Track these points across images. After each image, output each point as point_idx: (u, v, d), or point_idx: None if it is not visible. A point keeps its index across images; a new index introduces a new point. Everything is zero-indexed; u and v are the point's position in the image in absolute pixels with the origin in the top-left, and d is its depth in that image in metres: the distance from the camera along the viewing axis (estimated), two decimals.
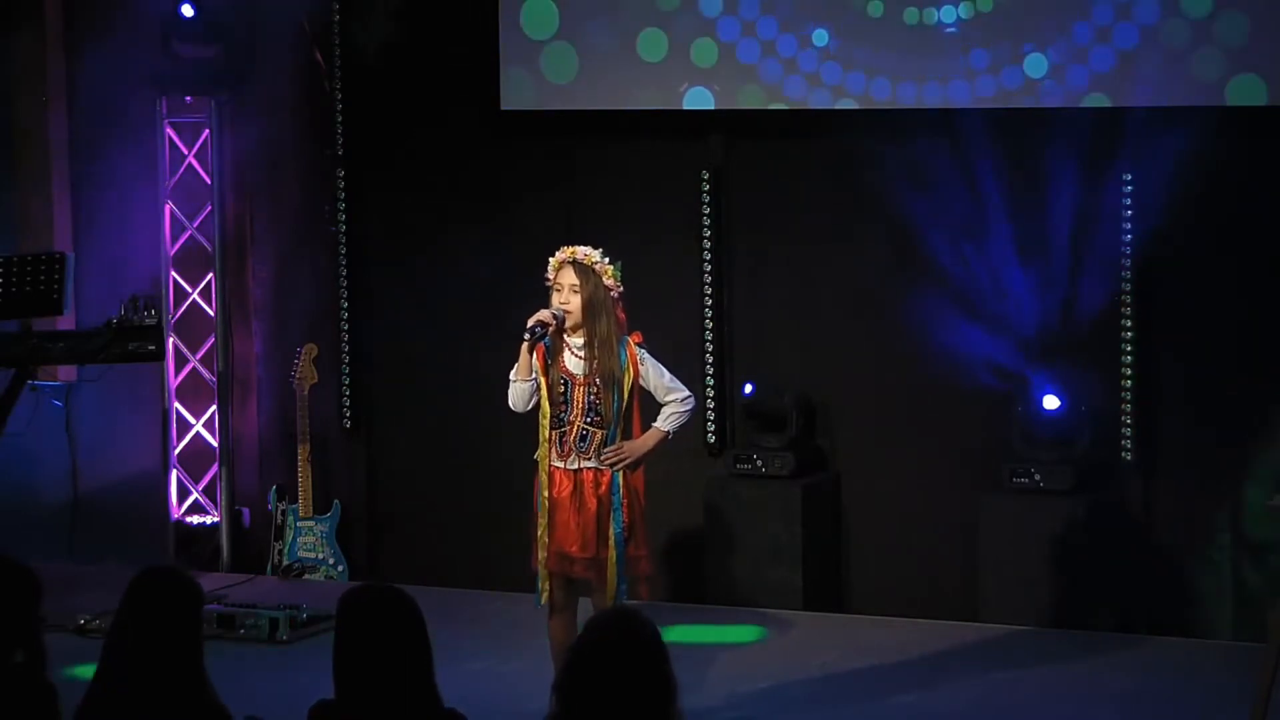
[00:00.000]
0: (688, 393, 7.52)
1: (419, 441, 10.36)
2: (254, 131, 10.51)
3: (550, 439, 7.38)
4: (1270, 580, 8.65)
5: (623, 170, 9.91)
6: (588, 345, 7.36)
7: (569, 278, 7.35)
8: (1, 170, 10.68)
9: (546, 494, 7.38)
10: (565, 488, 7.37)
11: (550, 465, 7.39)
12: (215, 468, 10.56)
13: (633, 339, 7.45)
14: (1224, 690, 8.01)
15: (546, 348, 7.37)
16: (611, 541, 7.35)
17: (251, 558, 10.47)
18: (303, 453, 10.21)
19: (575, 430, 7.36)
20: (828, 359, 9.66)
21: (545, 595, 7.43)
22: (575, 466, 7.37)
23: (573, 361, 7.39)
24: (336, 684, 4.70)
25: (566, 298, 7.34)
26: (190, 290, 10.56)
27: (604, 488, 7.38)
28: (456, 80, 10.12)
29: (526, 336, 7.29)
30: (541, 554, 7.39)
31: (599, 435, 7.37)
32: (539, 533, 7.39)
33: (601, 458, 7.36)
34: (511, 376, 7.37)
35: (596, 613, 6.85)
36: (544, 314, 7.32)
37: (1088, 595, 9.01)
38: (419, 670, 4.68)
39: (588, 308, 7.33)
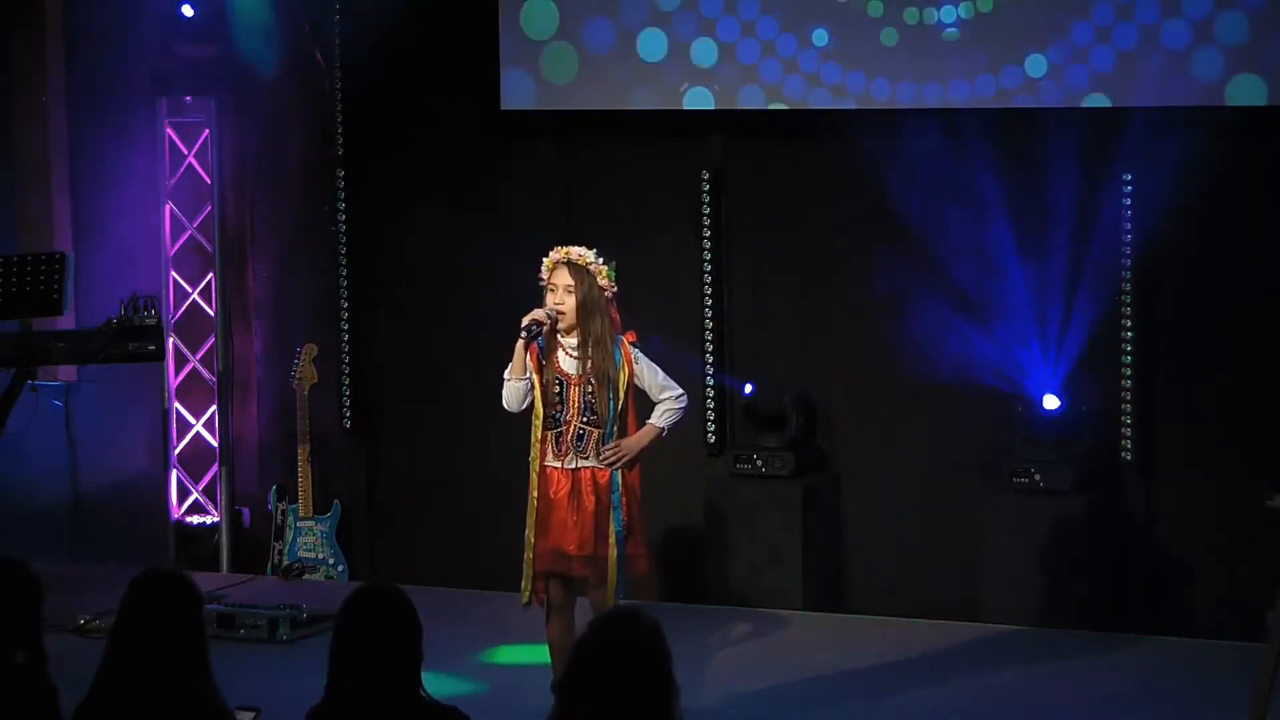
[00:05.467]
0: (681, 391, 7.56)
1: (419, 441, 10.36)
2: (254, 131, 10.51)
3: (546, 439, 7.40)
4: (1270, 580, 8.65)
5: (623, 170, 9.91)
6: (582, 345, 7.38)
7: (564, 278, 7.37)
8: (1, 170, 10.68)
9: (535, 494, 7.40)
10: (563, 487, 7.38)
11: (547, 465, 7.40)
12: (215, 468, 10.57)
13: (626, 338, 7.47)
14: (1224, 690, 8.01)
15: (540, 348, 7.38)
16: (612, 540, 7.36)
17: (251, 558, 10.48)
18: (303, 453, 10.21)
19: (572, 430, 7.38)
20: (828, 359, 9.66)
21: (527, 594, 7.46)
22: (573, 466, 7.39)
23: (567, 361, 7.40)
24: (328, 679, 4.73)
25: (561, 298, 7.36)
26: (190, 290, 10.56)
27: (602, 486, 7.39)
28: (456, 80, 10.12)
29: (522, 335, 7.31)
30: (528, 554, 7.41)
31: (595, 434, 7.39)
32: (526, 532, 7.42)
33: (601, 457, 7.37)
34: (506, 375, 7.40)
35: (602, 611, 6.87)
36: (538, 313, 7.34)
37: (1088, 595, 9.01)
38: (408, 670, 4.70)
39: (582, 308, 7.35)
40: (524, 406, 7.41)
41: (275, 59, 10.24)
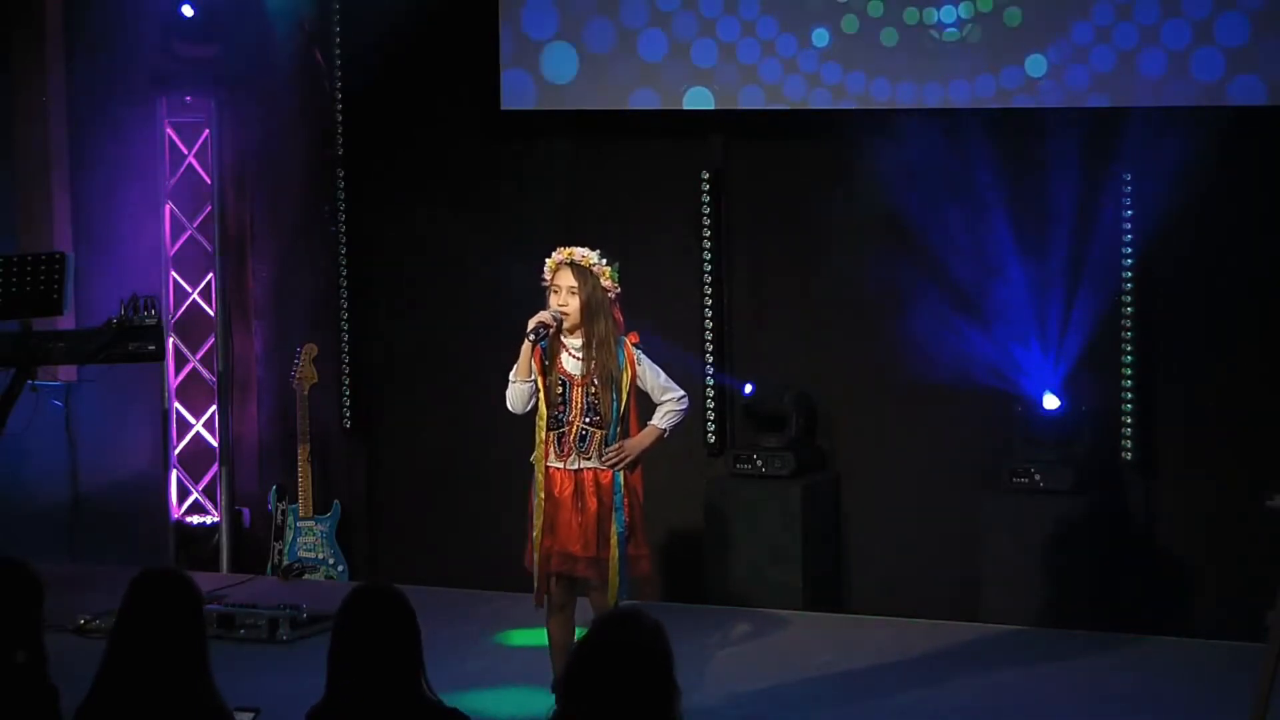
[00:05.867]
0: (683, 393, 7.55)
1: (418, 441, 10.36)
2: (254, 131, 10.51)
3: (549, 440, 7.39)
4: (1270, 580, 8.65)
5: (623, 170, 9.91)
6: (586, 346, 7.37)
7: (567, 279, 7.36)
8: (1, 170, 10.68)
9: (542, 495, 7.40)
10: (566, 488, 7.38)
11: (550, 466, 7.40)
12: (215, 468, 10.57)
13: (629, 339, 7.46)
14: (1224, 690, 8.01)
15: (544, 349, 7.38)
16: (614, 541, 7.36)
17: (251, 558, 10.47)
18: (303, 453, 10.21)
19: (574, 431, 7.38)
20: (828, 359, 9.66)
21: (536, 596, 7.46)
22: (576, 467, 7.38)
23: (571, 362, 7.40)
24: (327, 679, 4.73)
25: (565, 299, 7.36)
26: (190, 290, 10.57)
27: (604, 487, 7.39)
28: (456, 80, 10.12)
29: (529, 338, 7.31)
30: (536, 555, 7.41)
31: (598, 435, 7.39)
32: (534, 534, 7.41)
33: (603, 459, 7.37)
34: (511, 377, 7.39)
35: (606, 610, 6.88)
36: (544, 315, 7.34)
37: (1088, 595, 9.01)
38: (407, 670, 4.71)
39: (586, 309, 7.35)
40: (528, 408, 7.41)
41: (297, 40, 10.25)
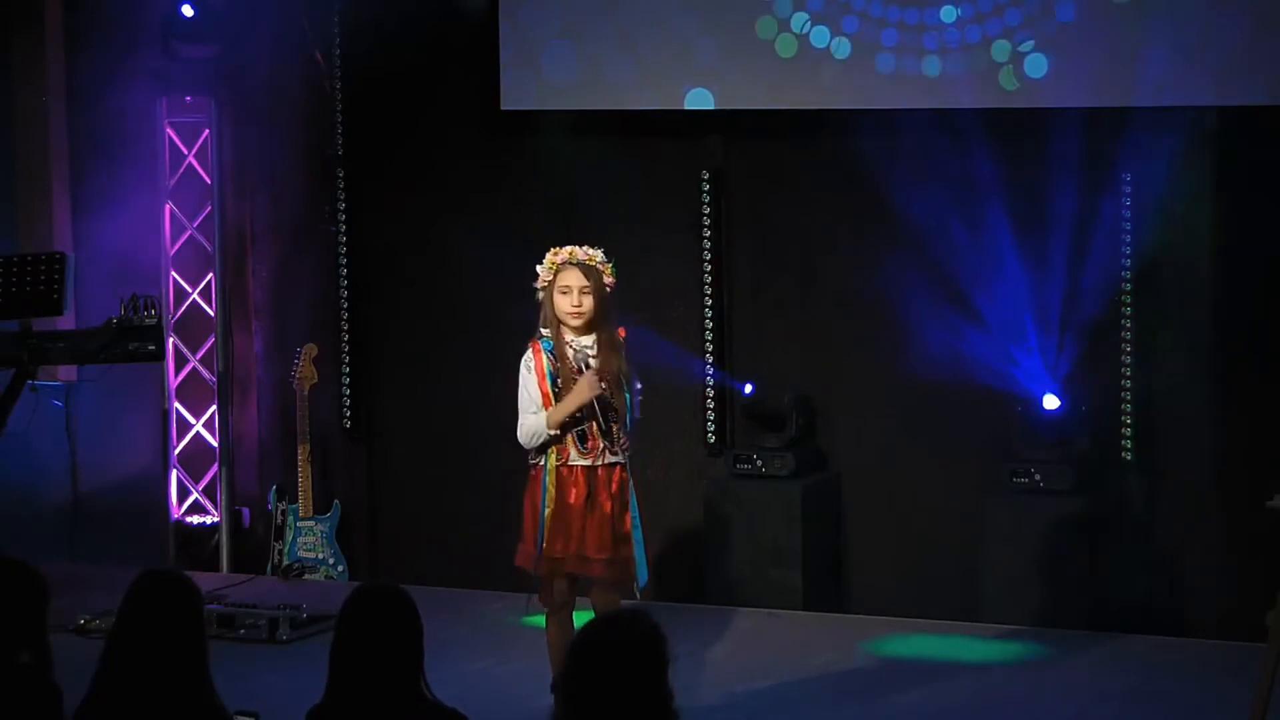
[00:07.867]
0: (640, 385, 7.53)
1: (419, 442, 10.36)
2: (254, 131, 10.51)
3: (571, 439, 7.32)
4: (1270, 580, 8.65)
5: (623, 170, 9.90)
6: (600, 346, 7.34)
7: (578, 279, 7.31)
8: (1, 170, 10.68)
9: (553, 493, 7.34)
10: (581, 489, 7.32)
11: (571, 465, 7.32)
12: (215, 468, 10.56)
13: (618, 334, 7.46)
14: (1224, 690, 8.01)
15: (549, 353, 7.34)
16: (632, 539, 7.35)
17: (251, 558, 10.47)
18: (303, 453, 10.21)
19: (594, 428, 7.32)
20: (828, 359, 9.66)
21: (543, 595, 7.45)
22: (600, 463, 7.31)
23: (588, 362, 7.38)
24: (329, 678, 4.73)
25: (578, 300, 7.32)
26: (190, 290, 10.57)
27: (615, 487, 7.35)
28: (456, 80, 10.13)
29: (597, 418, 7.25)
30: (542, 555, 7.37)
31: (614, 429, 7.36)
32: (541, 534, 7.35)
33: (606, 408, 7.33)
34: (542, 420, 7.30)
35: (606, 610, 6.87)
36: (598, 387, 7.26)
37: (1088, 595, 9.01)
38: (409, 670, 4.71)
39: (599, 309, 7.33)
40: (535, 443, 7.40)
41: None
